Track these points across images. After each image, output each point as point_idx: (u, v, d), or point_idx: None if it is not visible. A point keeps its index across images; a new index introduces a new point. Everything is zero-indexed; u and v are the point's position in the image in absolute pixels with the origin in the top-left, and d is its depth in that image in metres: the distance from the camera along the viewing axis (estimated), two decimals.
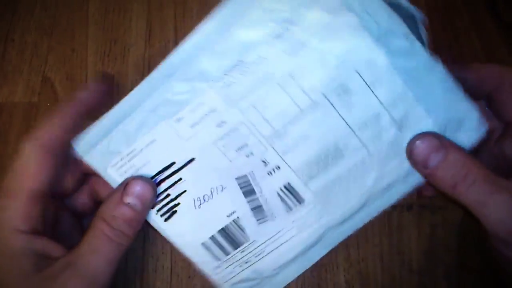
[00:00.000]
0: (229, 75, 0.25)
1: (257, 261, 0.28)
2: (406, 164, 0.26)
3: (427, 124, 0.25)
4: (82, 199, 0.28)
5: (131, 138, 0.25)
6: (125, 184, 0.25)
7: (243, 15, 0.24)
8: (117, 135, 0.25)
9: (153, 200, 0.26)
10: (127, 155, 0.26)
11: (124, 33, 0.37)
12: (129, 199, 0.25)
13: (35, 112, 0.35)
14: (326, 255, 0.31)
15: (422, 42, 0.24)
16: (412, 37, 0.24)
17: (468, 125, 0.25)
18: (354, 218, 0.27)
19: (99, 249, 0.24)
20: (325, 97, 0.25)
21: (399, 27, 0.24)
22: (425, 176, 0.25)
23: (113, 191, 0.26)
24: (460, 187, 0.24)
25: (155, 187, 0.26)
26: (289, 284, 0.31)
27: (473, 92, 0.25)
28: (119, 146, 0.26)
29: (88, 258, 0.24)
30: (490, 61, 0.37)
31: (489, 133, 0.27)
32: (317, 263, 0.31)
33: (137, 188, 0.25)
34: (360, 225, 0.28)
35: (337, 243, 0.28)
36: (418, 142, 0.24)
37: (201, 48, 0.24)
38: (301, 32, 0.24)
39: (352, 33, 0.24)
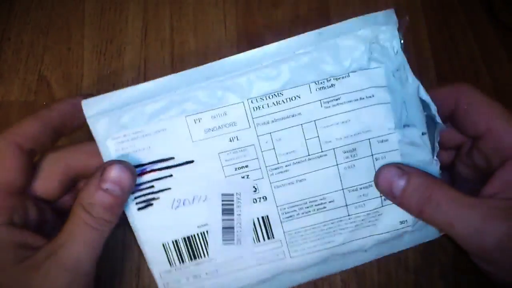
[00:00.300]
0: (264, 99, 0.25)
1: (206, 279, 0.28)
2: (374, 237, 0.28)
3: (405, 212, 0.26)
4: (69, 202, 0.28)
5: (145, 119, 0.25)
6: (103, 169, 0.24)
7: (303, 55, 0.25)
8: (133, 111, 0.25)
9: (133, 186, 0.25)
10: (133, 133, 0.25)
11: (120, 32, 0.37)
12: (107, 185, 0.24)
13: (32, 111, 0.34)
14: None
15: (432, 144, 0.26)
16: (426, 138, 0.26)
17: None
18: (310, 269, 0.29)
19: (79, 237, 0.24)
20: (334, 153, 0.26)
21: (421, 125, 0.26)
22: (397, 204, 0.26)
23: (91, 177, 0.25)
24: (426, 212, 0.24)
25: (135, 173, 0.25)
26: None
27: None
28: (129, 122, 0.25)
29: (69, 247, 0.24)
30: (487, 61, 0.37)
31: (460, 147, 0.28)
32: None
33: (115, 173, 0.24)
34: (313, 278, 0.29)
35: None
36: (382, 172, 0.26)
37: (252, 66, 0.25)
38: (341, 89, 0.25)
39: (382, 111, 0.26)
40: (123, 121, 0.25)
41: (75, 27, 0.37)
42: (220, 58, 0.25)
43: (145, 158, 0.26)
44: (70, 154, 0.27)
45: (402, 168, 0.25)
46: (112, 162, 0.25)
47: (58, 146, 0.28)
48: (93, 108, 0.25)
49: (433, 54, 0.37)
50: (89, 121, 0.25)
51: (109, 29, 0.37)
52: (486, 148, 0.26)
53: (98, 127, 0.25)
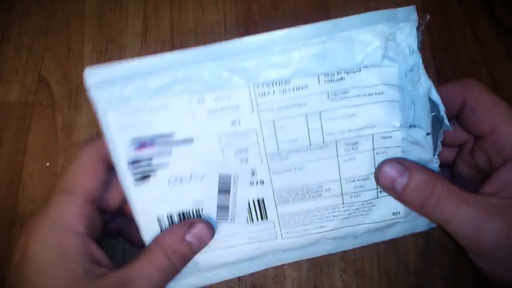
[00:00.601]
0: (270, 86, 0.25)
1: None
2: (365, 226, 0.28)
3: (398, 204, 0.27)
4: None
5: (148, 93, 0.25)
6: (190, 224, 0.26)
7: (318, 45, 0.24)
8: (136, 83, 0.24)
9: (207, 245, 0.27)
10: (135, 107, 0.25)
11: (120, 32, 0.37)
12: (191, 238, 0.26)
13: (31, 112, 0.35)
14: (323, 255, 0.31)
15: (435, 144, 0.26)
16: (430, 138, 0.26)
17: None
18: (299, 250, 0.29)
19: (153, 278, 0.24)
20: (336, 145, 0.26)
21: (426, 126, 0.26)
22: (398, 200, 0.26)
23: (175, 225, 0.26)
24: (427, 208, 0.24)
25: (213, 233, 0.27)
26: (285, 283, 0.31)
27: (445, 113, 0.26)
28: (132, 95, 0.24)
29: (142, 283, 0.24)
30: (487, 61, 0.37)
31: (462, 146, 0.28)
32: (313, 262, 0.31)
33: (201, 230, 0.26)
34: (302, 258, 0.29)
35: (273, 266, 0.29)
36: (383, 168, 0.26)
37: (262, 51, 0.24)
38: (350, 83, 0.25)
39: (390, 109, 0.25)
40: (126, 94, 0.25)
41: (75, 28, 0.37)
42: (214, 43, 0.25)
43: (145, 132, 0.25)
44: (102, 141, 0.27)
45: (403, 163, 0.25)
46: (200, 220, 0.26)
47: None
48: (96, 77, 0.24)
49: (433, 54, 0.37)
50: (90, 91, 0.24)
51: (109, 29, 0.37)
52: (488, 148, 0.26)
53: (99, 98, 0.24)
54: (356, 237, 0.29)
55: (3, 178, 0.33)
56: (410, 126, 0.26)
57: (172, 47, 0.37)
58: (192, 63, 0.24)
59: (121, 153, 0.25)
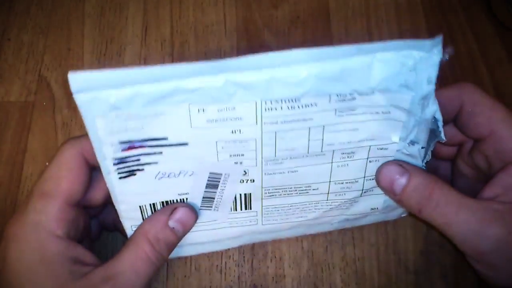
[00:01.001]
0: (279, 103, 0.23)
1: None
2: (342, 217, 0.30)
3: (379, 201, 0.29)
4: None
5: (144, 102, 0.22)
6: (172, 209, 0.26)
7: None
8: (131, 91, 0.22)
9: (191, 229, 0.27)
10: (127, 114, 0.22)
11: (120, 32, 0.37)
12: (173, 224, 0.25)
13: (31, 111, 0.35)
14: (322, 254, 0.31)
15: (425, 153, 0.27)
16: (423, 151, 0.26)
17: None
18: (275, 232, 0.30)
19: (139, 269, 0.24)
20: (333, 154, 0.26)
21: (423, 141, 0.26)
22: (396, 202, 0.26)
23: (157, 212, 0.26)
24: (425, 211, 0.24)
25: (197, 217, 0.27)
26: (285, 283, 0.31)
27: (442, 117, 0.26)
28: (125, 103, 0.22)
29: (129, 276, 0.24)
30: (487, 61, 0.37)
31: (461, 145, 0.28)
32: (313, 262, 0.31)
33: (184, 215, 0.26)
34: (277, 237, 0.31)
35: (250, 243, 0.31)
36: (383, 170, 0.26)
37: (278, 68, 0.22)
38: (360, 102, 0.24)
39: (392, 126, 0.25)
40: (117, 102, 0.22)
41: (75, 27, 0.37)
42: (220, 58, 0.23)
43: (135, 136, 0.23)
44: (84, 141, 0.25)
45: (403, 166, 0.25)
46: (182, 204, 0.26)
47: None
48: (82, 82, 0.21)
49: None
50: (75, 96, 0.21)
51: (109, 29, 0.37)
52: (487, 151, 0.25)
53: (85, 104, 0.22)
54: (332, 224, 0.31)
55: (3, 178, 0.33)
56: (409, 144, 0.26)
57: (172, 47, 0.37)
58: (197, 75, 0.22)
59: (107, 154, 0.24)
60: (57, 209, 0.24)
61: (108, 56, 0.36)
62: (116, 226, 0.29)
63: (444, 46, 0.23)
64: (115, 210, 0.29)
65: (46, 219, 0.23)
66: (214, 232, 0.29)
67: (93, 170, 0.26)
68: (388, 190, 0.26)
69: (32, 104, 0.35)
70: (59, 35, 0.37)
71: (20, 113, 0.35)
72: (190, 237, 0.28)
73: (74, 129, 0.34)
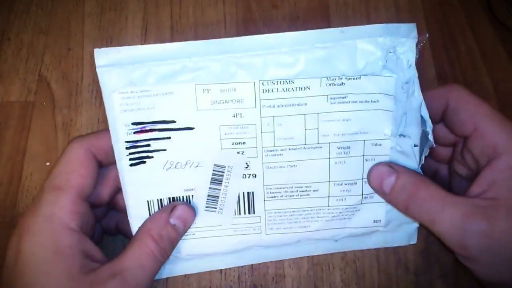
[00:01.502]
0: (275, 83, 0.26)
1: (182, 239, 0.28)
2: (346, 230, 0.29)
3: (381, 211, 0.29)
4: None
5: (155, 79, 0.25)
6: (172, 207, 0.27)
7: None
8: (144, 69, 0.25)
9: (191, 226, 0.28)
10: (140, 91, 0.26)
11: (120, 32, 0.37)
12: (174, 221, 0.27)
13: (31, 111, 0.35)
14: (322, 254, 0.31)
15: (420, 157, 0.28)
16: (417, 150, 0.27)
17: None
18: (281, 248, 0.30)
19: (145, 265, 0.25)
20: (329, 147, 0.27)
21: (415, 138, 0.27)
22: (387, 201, 0.28)
23: (158, 211, 0.27)
24: (411, 209, 0.25)
25: (195, 214, 0.28)
26: (285, 283, 0.31)
27: (431, 116, 0.27)
28: (139, 80, 0.25)
29: (135, 272, 0.24)
30: (487, 61, 0.37)
31: (455, 147, 0.29)
32: (313, 262, 0.31)
33: (183, 212, 0.27)
34: (283, 258, 0.31)
35: (253, 263, 0.31)
36: (373, 170, 0.27)
37: (271, 49, 0.26)
38: (349, 88, 0.26)
39: (383, 117, 0.27)
40: (133, 77, 0.25)
41: (75, 27, 0.37)
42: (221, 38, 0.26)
43: (147, 117, 0.26)
44: (91, 138, 0.27)
45: (392, 166, 0.27)
46: (181, 202, 0.27)
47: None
48: (105, 59, 0.25)
49: (433, 54, 0.37)
50: (99, 71, 0.25)
51: (109, 29, 0.37)
52: (473, 148, 0.26)
53: (105, 78, 0.25)
54: (336, 240, 0.30)
55: (3, 178, 0.33)
56: (400, 135, 0.27)
57: None
58: (202, 55, 0.25)
59: (120, 135, 0.26)
60: (70, 202, 0.24)
61: None
62: (119, 229, 0.30)
63: (420, 33, 0.26)
64: (118, 214, 0.29)
65: (59, 212, 0.24)
66: (219, 241, 0.29)
67: (99, 168, 0.27)
68: (378, 190, 0.27)
69: (32, 104, 0.35)
70: (59, 35, 0.37)
71: (20, 113, 0.35)
72: (193, 245, 0.28)
73: (74, 129, 0.34)
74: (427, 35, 0.27)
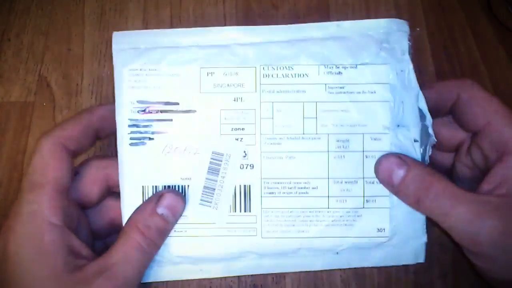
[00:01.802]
0: (275, 69, 0.27)
1: (172, 235, 0.27)
2: (348, 240, 0.27)
3: (384, 218, 0.27)
4: (102, 223, 0.29)
5: (164, 60, 0.27)
6: (159, 196, 0.26)
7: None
8: (156, 50, 0.27)
9: (182, 214, 0.27)
10: (149, 69, 0.27)
11: None
12: (162, 210, 0.26)
13: (31, 112, 0.35)
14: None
15: (423, 157, 0.27)
16: (418, 146, 0.27)
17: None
18: (278, 260, 0.28)
19: (132, 258, 0.24)
20: (328, 139, 0.27)
21: (415, 130, 0.27)
22: (394, 193, 0.27)
23: (144, 202, 0.26)
24: (423, 202, 0.25)
25: (185, 201, 0.27)
26: (285, 283, 0.31)
27: (438, 109, 0.27)
28: (148, 59, 0.27)
29: (122, 267, 0.24)
30: (487, 61, 0.37)
31: (459, 146, 0.29)
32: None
33: (170, 200, 0.26)
34: (280, 271, 0.29)
35: (244, 274, 0.29)
36: (382, 161, 0.26)
37: (274, 37, 0.28)
38: (346, 78, 0.27)
39: (381, 109, 0.27)
40: (144, 57, 0.27)
41: (75, 28, 0.37)
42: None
43: (152, 96, 0.27)
44: (111, 164, 0.28)
45: (402, 158, 0.26)
46: (168, 190, 0.27)
47: (99, 155, 0.29)
48: (122, 40, 0.28)
49: (433, 54, 0.37)
50: (114, 50, 0.28)
51: (109, 30, 0.37)
52: (484, 143, 0.26)
53: (119, 56, 0.27)
54: (337, 253, 0.28)
55: (3, 178, 0.33)
56: (398, 126, 0.27)
57: None
58: (210, 41, 0.28)
59: (125, 112, 0.27)
60: (48, 197, 0.24)
61: (108, 57, 0.36)
62: (113, 225, 0.29)
63: (413, 29, 0.28)
64: (110, 211, 0.29)
65: (39, 208, 0.24)
66: (212, 241, 0.27)
67: (73, 158, 0.26)
68: (386, 181, 0.26)
69: (32, 104, 0.35)
70: (59, 36, 0.37)
71: (20, 114, 0.35)
72: (186, 244, 0.27)
73: None
74: (419, 30, 0.29)
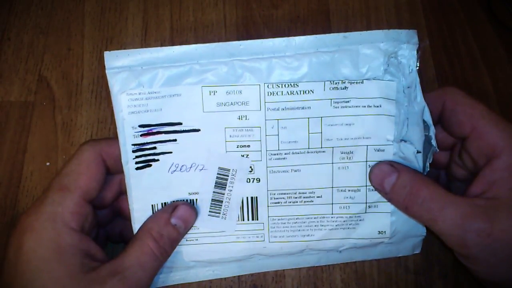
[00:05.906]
0: (280, 86, 0.26)
1: (185, 244, 0.28)
2: (350, 241, 0.29)
3: (385, 222, 0.28)
4: (107, 211, 0.29)
5: (163, 81, 0.26)
6: (173, 207, 0.27)
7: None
8: (153, 71, 0.26)
9: (192, 225, 0.28)
10: (148, 93, 0.26)
11: (120, 32, 0.37)
12: (175, 221, 0.27)
13: (31, 111, 0.35)
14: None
15: (424, 163, 0.27)
16: (420, 156, 0.27)
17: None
18: (283, 258, 0.30)
19: (145, 264, 0.25)
20: (332, 152, 0.27)
21: (418, 144, 0.27)
22: (388, 200, 0.27)
23: (159, 211, 0.27)
24: (411, 207, 0.25)
25: (197, 214, 0.27)
26: (285, 283, 0.31)
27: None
28: (147, 81, 0.26)
29: (135, 271, 0.25)
30: (487, 61, 0.37)
31: (452, 150, 0.29)
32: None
33: (183, 212, 0.27)
34: (286, 267, 0.30)
35: (257, 271, 0.30)
36: (375, 169, 0.27)
37: (276, 53, 0.26)
38: (352, 93, 0.27)
39: (385, 123, 0.27)
40: (142, 79, 0.26)
41: (75, 27, 0.37)
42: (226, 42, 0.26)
43: (154, 119, 0.26)
44: (103, 143, 0.28)
45: (393, 165, 0.26)
46: (182, 202, 0.27)
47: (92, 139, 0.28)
48: (115, 61, 0.26)
49: (433, 54, 0.37)
50: (108, 73, 0.26)
51: (109, 29, 0.37)
52: (471, 149, 0.26)
53: (115, 80, 0.26)
54: (340, 251, 0.30)
55: (3, 178, 0.33)
56: (401, 140, 0.27)
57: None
58: (210, 58, 0.26)
59: (128, 137, 0.26)
60: (74, 203, 0.25)
61: None
62: (123, 236, 0.30)
63: (421, 39, 0.27)
64: (122, 222, 0.29)
65: (62, 211, 0.24)
66: (222, 248, 0.29)
67: (106, 173, 0.27)
68: (379, 188, 0.27)
69: (32, 104, 0.35)
70: (59, 35, 0.37)
71: (20, 113, 0.35)
72: (196, 252, 0.28)
73: (74, 129, 0.34)
74: (428, 42, 0.28)
